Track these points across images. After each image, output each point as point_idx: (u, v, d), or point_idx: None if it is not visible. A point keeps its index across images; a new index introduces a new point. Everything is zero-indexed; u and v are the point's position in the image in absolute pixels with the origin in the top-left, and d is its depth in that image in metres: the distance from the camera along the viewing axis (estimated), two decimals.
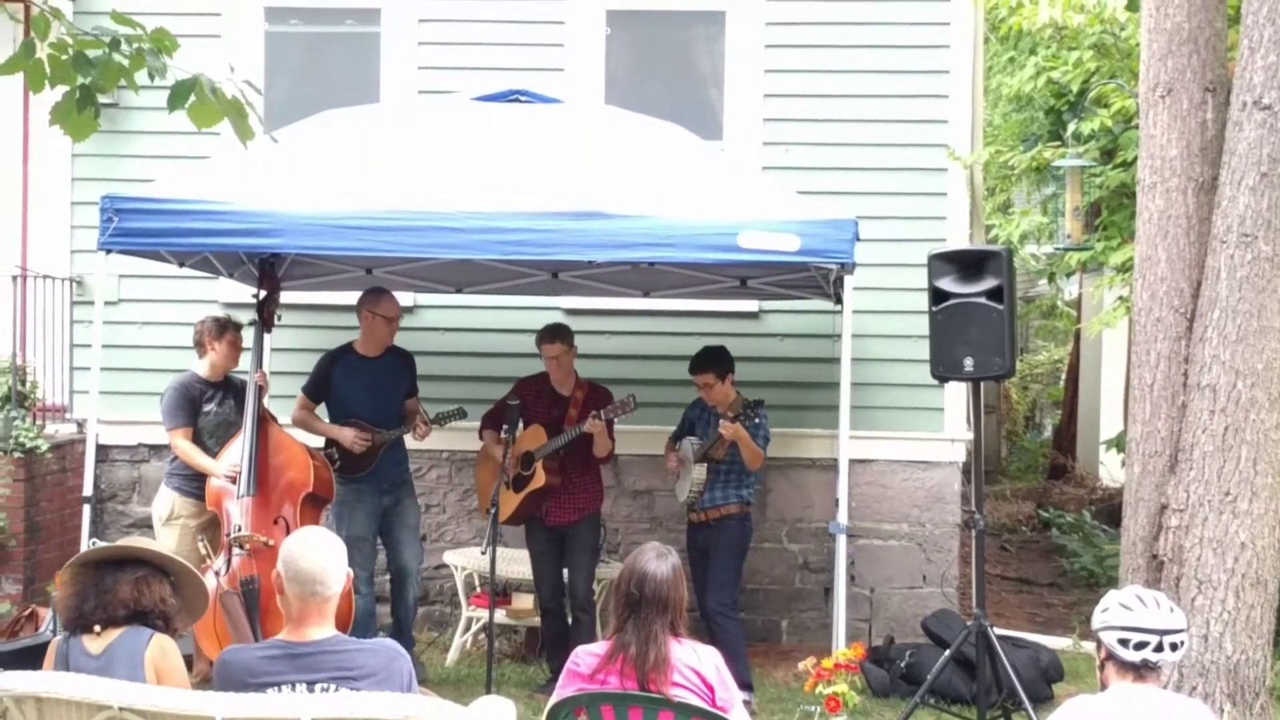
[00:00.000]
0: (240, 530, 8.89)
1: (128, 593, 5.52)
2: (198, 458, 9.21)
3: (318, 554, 5.10)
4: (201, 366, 9.44)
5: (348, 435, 9.53)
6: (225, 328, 9.40)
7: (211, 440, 9.35)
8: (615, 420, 9.38)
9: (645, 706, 5.24)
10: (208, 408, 9.36)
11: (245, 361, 9.56)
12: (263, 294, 9.59)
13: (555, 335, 9.56)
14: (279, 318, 9.65)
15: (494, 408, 9.70)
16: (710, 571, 9.49)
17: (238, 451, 9.14)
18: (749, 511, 9.66)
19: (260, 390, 9.31)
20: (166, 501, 9.39)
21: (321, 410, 9.81)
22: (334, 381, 9.70)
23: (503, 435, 9.17)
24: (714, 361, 9.52)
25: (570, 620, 9.67)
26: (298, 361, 10.68)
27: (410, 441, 9.84)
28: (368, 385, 9.63)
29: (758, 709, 9.05)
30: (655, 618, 5.43)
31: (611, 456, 9.74)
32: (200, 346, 9.42)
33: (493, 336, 10.99)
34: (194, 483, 9.28)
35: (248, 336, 9.56)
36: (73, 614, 5.52)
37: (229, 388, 9.50)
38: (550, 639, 9.79)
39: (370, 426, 9.54)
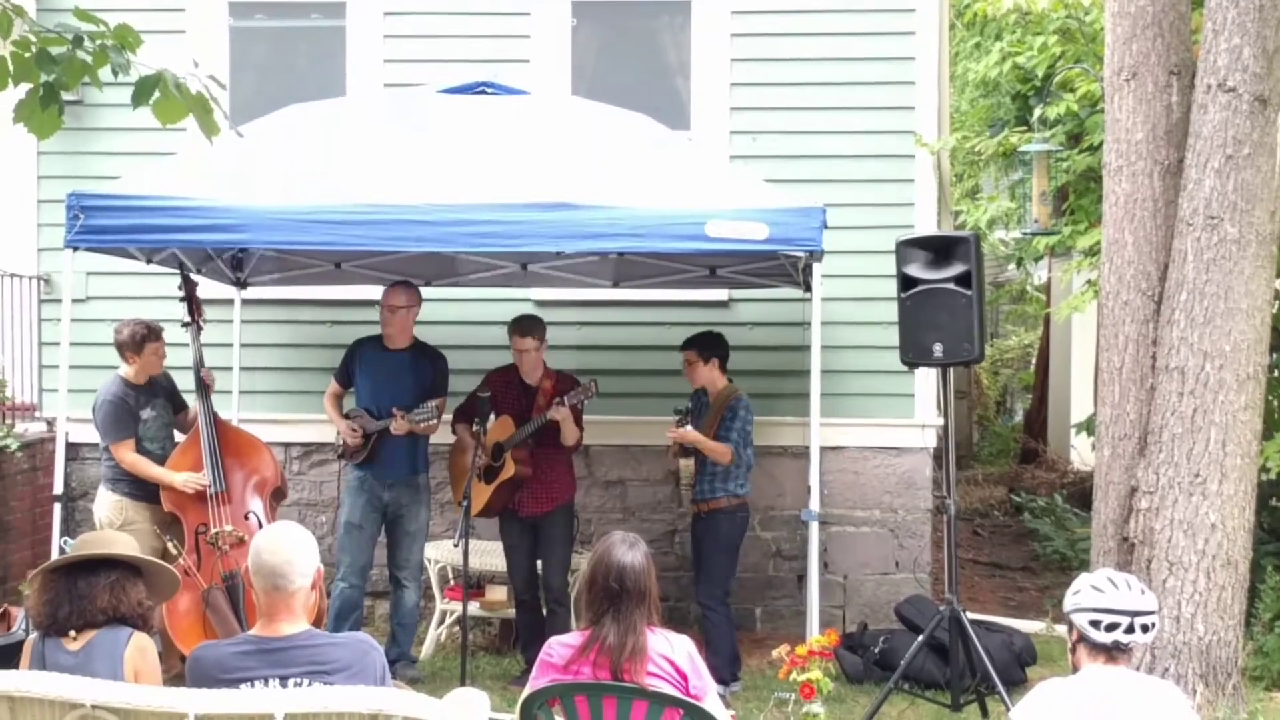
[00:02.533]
0: (212, 528, 8.89)
1: (105, 599, 5.51)
2: (150, 469, 9.11)
3: (283, 547, 5.07)
4: (127, 370, 9.25)
5: (343, 426, 9.61)
6: (144, 340, 9.17)
7: (154, 445, 9.27)
8: (582, 407, 9.40)
9: (619, 696, 5.24)
10: (144, 414, 9.23)
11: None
12: (183, 293, 9.52)
13: (528, 330, 9.55)
14: (204, 316, 9.58)
15: (465, 401, 9.69)
16: (699, 564, 9.52)
17: (191, 459, 9.14)
18: (741, 504, 9.58)
19: (207, 389, 9.32)
20: (117, 508, 9.19)
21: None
22: (354, 367, 9.78)
23: (474, 429, 9.18)
24: (699, 342, 9.60)
25: (545, 612, 9.66)
26: (268, 357, 10.69)
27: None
28: (379, 377, 9.66)
29: (732, 697, 9.06)
30: (635, 609, 5.43)
31: (580, 445, 9.74)
32: (123, 356, 9.22)
33: (463, 329, 10.98)
34: (145, 487, 9.16)
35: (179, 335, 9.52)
36: (47, 620, 5.50)
37: (155, 387, 9.37)
38: (525, 630, 9.79)
39: (368, 419, 9.55)
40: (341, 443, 9.70)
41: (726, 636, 9.38)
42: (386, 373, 9.65)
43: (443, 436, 9.88)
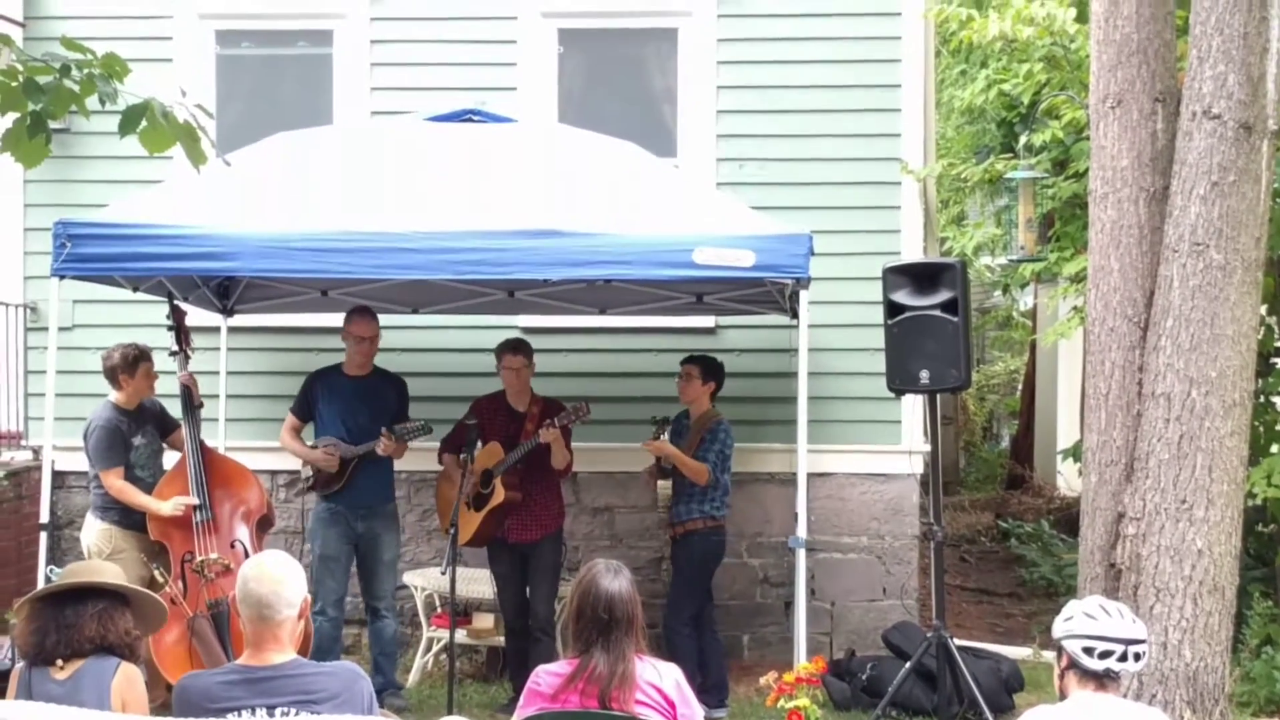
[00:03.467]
0: (198, 556, 8.86)
1: (93, 629, 5.49)
2: (138, 497, 9.05)
3: (271, 576, 5.07)
4: (118, 396, 9.22)
5: (317, 455, 9.51)
6: (138, 361, 9.16)
7: (145, 472, 9.23)
8: (570, 430, 9.40)
9: None
10: (135, 440, 9.19)
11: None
12: (171, 321, 9.48)
13: (517, 348, 9.58)
14: (192, 345, 9.54)
15: (452, 431, 9.68)
16: (672, 586, 9.52)
17: (178, 487, 9.10)
18: (717, 527, 9.61)
19: (190, 394, 9.28)
20: (105, 536, 9.15)
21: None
22: (316, 399, 9.69)
23: (461, 456, 9.16)
24: (705, 362, 9.71)
25: (530, 642, 9.61)
26: (254, 384, 10.66)
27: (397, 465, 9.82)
28: (346, 404, 9.60)
29: None
30: (624, 637, 5.43)
31: (570, 470, 9.74)
32: (114, 381, 9.17)
33: (450, 356, 10.98)
34: (133, 515, 9.11)
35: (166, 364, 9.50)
36: (34, 650, 5.48)
37: (145, 414, 9.33)
38: (515, 658, 9.73)
39: (343, 446, 9.51)
40: (312, 474, 9.63)
41: (693, 661, 9.27)
42: (352, 400, 9.61)
43: (417, 463, 9.87)
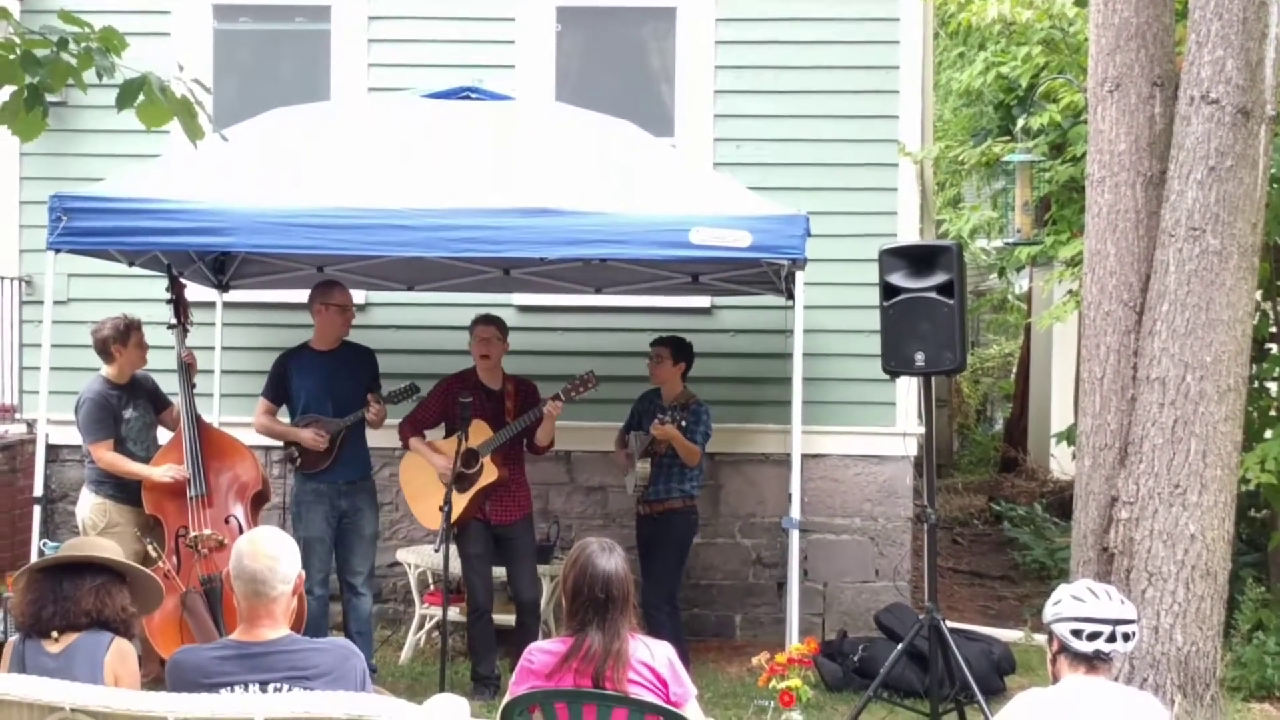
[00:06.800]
0: (192, 532, 8.86)
1: (90, 602, 5.50)
2: (129, 465, 9.05)
3: (266, 553, 5.08)
4: (109, 370, 9.22)
5: (306, 435, 9.43)
6: (129, 330, 9.17)
7: (137, 446, 9.22)
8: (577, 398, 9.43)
9: (599, 703, 5.24)
10: (127, 414, 9.19)
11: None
12: (170, 294, 9.46)
13: (490, 319, 9.60)
14: (190, 319, 9.52)
15: (413, 413, 9.67)
16: (649, 565, 9.54)
17: (174, 459, 9.10)
18: (693, 505, 9.73)
19: (189, 369, 9.27)
20: (100, 510, 9.17)
21: (284, 414, 9.75)
22: (290, 380, 9.62)
23: (458, 434, 9.11)
24: (675, 344, 9.76)
25: (517, 624, 9.56)
26: (250, 360, 10.65)
27: (370, 441, 9.79)
28: (324, 379, 9.54)
29: (711, 704, 9.05)
30: (619, 617, 5.43)
31: (552, 446, 9.75)
32: (105, 354, 9.17)
33: (445, 334, 10.96)
34: (128, 489, 9.11)
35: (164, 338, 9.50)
36: (30, 620, 5.50)
37: (137, 388, 9.33)
38: (483, 642, 9.60)
39: (328, 420, 9.47)
40: (297, 453, 9.61)
41: (670, 638, 9.27)
42: (328, 375, 9.56)
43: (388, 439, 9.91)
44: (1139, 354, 8.27)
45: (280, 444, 9.82)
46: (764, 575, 11.25)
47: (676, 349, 9.74)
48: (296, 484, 9.60)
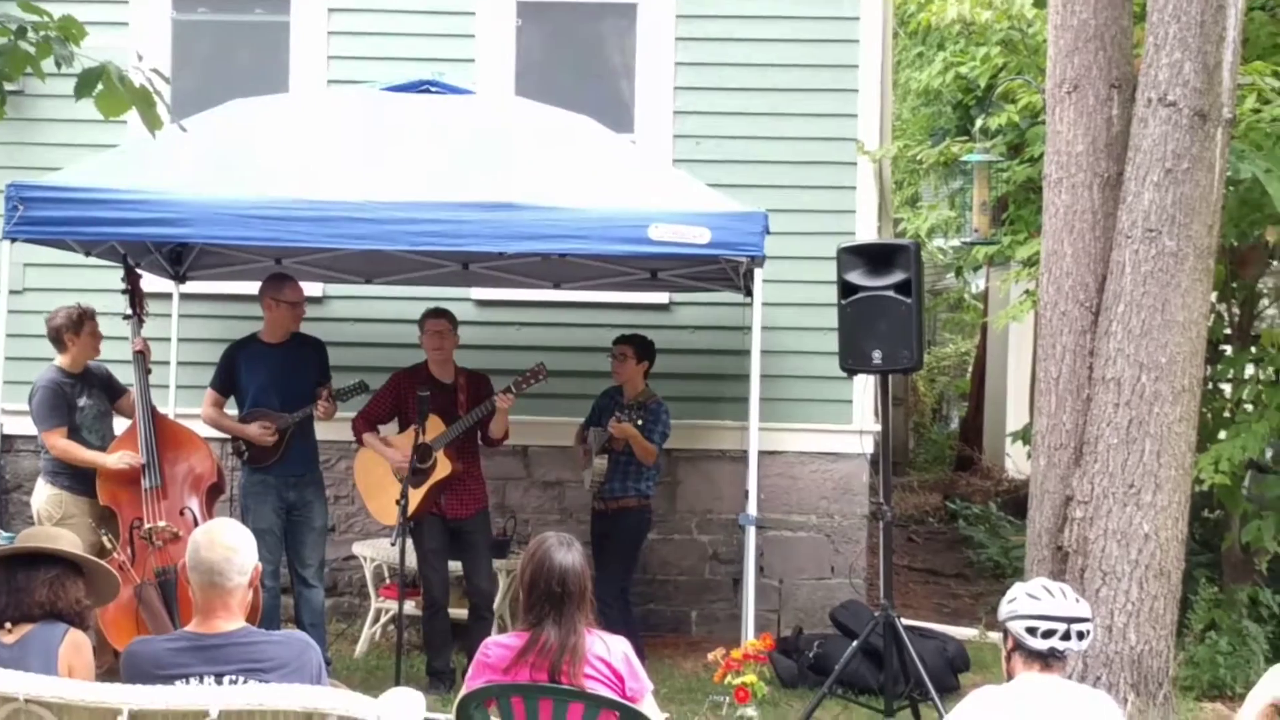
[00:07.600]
0: (146, 523, 8.82)
1: (44, 594, 5.48)
2: (83, 453, 9.01)
3: (223, 544, 5.08)
4: (62, 359, 9.18)
5: (253, 430, 9.39)
6: (83, 319, 9.15)
7: (91, 435, 9.18)
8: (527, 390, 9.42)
9: (555, 698, 5.24)
10: (81, 402, 9.15)
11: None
12: (126, 285, 9.43)
13: (440, 313, 9.61)
14: (145, 310, 9.48)
15: (366, 408, 9.66)
16: (602, 560, 9.55)
17: (128, 445, 9.06)
18: (648, 505, 9.80)
19: (143, 358, 9.23)
20: (55, 501, 9.12)
21: (231, 405, 9.71)
22: (239, 372, 9.57)
23: (415, 428, 9.09)
24: (639, 342, 9.79)
25: (472, 619, 9.55)
26: (206, 351, 10.59)
27: (320, 433, 9.76)
28: (273, 373, 9.50)
29: (667, 699, 9.06)
30: (576, 611, 5.44)
31: (506, 439, 9.75)
32: (59, 343, 9.14)
33: (403, 327, 10.90)
34: (83, 480, 9.07)
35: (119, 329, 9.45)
36: None
37: (90, 378, 9.30)
38: (439, 637, 9.65)
39: (276, 415, 9.44)
40: (244, 446, 9.54)
41: (625, 632, 9.30)
42: (277, 368, 9.51)
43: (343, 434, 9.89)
44: (1095, 354, 8.30)
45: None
46: (720, 571, 11.27)
47: (640, 347, 9.75)
48: (244, 476, 9.56)
